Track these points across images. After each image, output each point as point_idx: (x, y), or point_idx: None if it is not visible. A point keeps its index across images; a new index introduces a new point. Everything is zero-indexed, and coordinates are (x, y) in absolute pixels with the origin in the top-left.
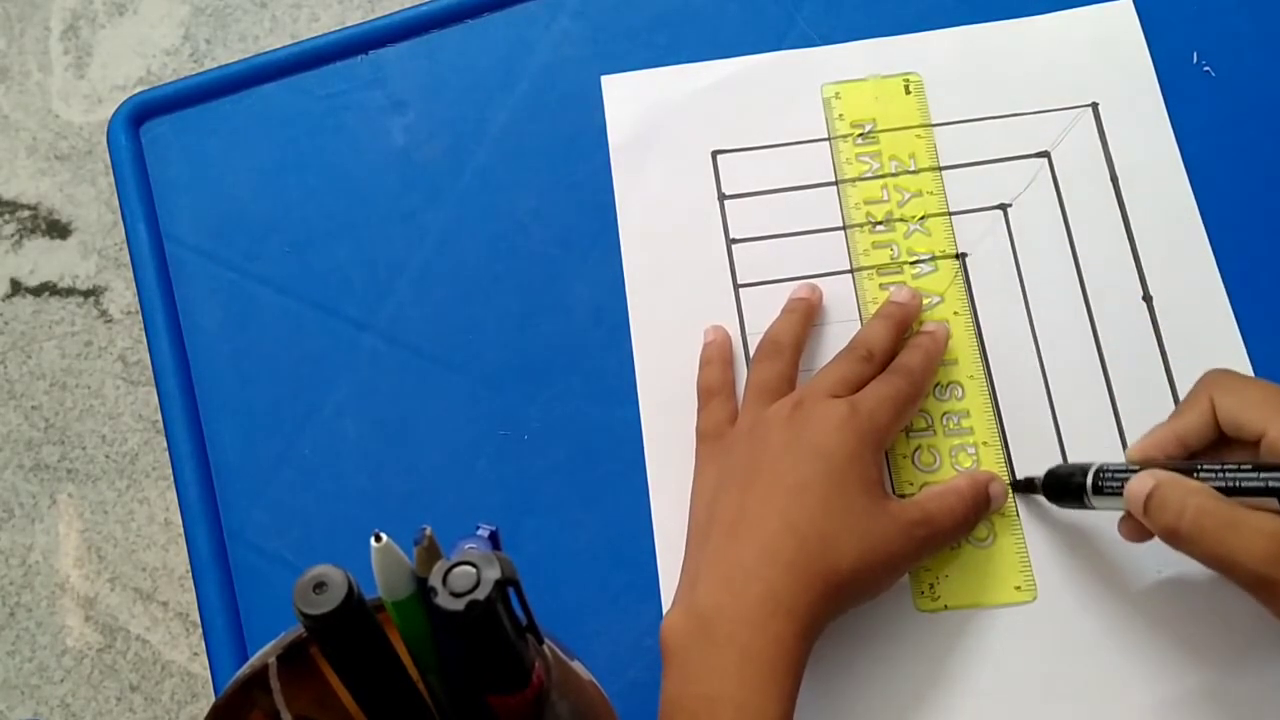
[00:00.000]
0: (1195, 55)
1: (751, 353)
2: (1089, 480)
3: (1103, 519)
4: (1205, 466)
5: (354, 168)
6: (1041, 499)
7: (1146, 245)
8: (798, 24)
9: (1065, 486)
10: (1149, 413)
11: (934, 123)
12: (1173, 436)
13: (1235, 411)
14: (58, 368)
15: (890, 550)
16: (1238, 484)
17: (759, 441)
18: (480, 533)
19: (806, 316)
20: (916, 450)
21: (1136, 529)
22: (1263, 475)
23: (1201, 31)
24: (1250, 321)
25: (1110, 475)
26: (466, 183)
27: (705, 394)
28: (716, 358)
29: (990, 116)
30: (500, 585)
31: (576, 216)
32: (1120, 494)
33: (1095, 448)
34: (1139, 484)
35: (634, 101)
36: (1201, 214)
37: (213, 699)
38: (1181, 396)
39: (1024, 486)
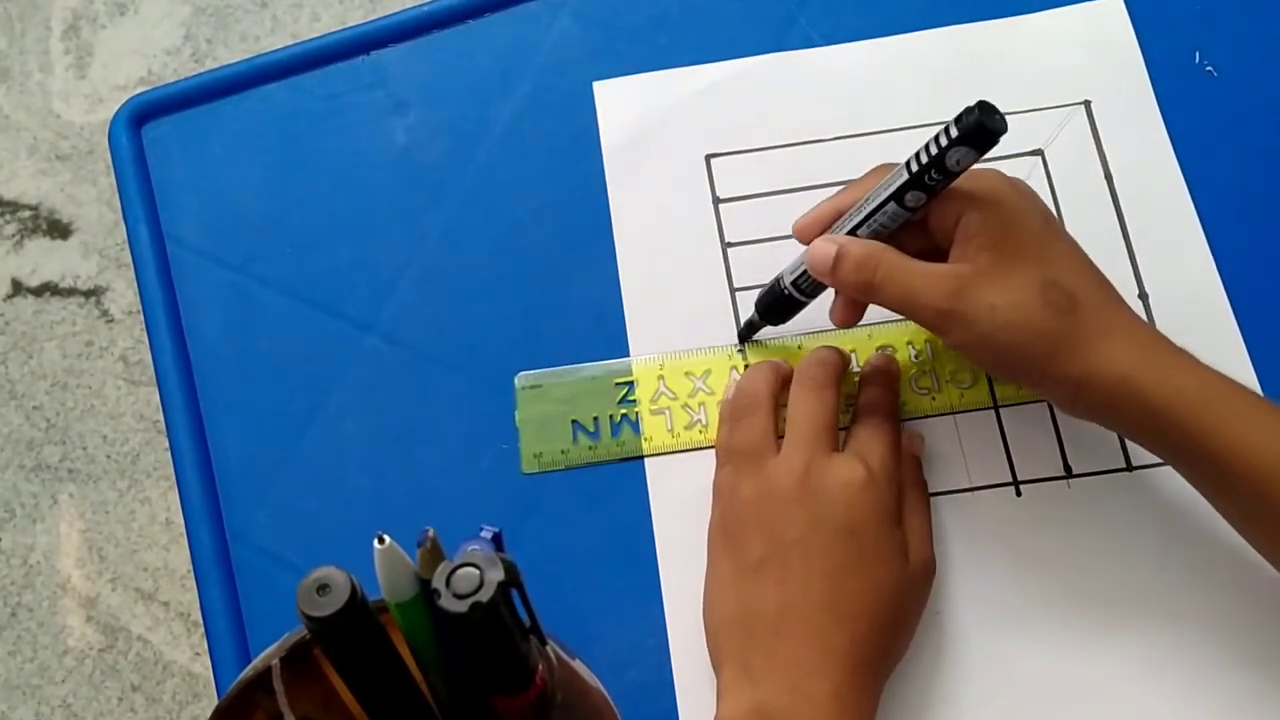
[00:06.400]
0: (1197, 55)
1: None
2: (790, 289)
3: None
4: (855, 221)
5: (355, 168)
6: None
7: (1141, 242)
8: (799, 23)
9: (777, 302)
10: None
11: (929, 123)
12: (833, 212)
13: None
14: (59, 368)
15: (920, 605)
16: (886, 220)
17: (775, 521)
18: (483, 534)
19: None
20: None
21: (847, 310)
22: (902, 200)
23: (1194, 29)
24: (1248, 315)
25: (804, 275)
26: (468, 183)
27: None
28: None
29: None
30: (503, 587)
31: (579, 217)
32: (823, 287)
33: (1095, 446)
34: (820, 250)
35: (626, 107)
36: (1198, 209)
37: (214, 699)
38: None
39: (748, 333)
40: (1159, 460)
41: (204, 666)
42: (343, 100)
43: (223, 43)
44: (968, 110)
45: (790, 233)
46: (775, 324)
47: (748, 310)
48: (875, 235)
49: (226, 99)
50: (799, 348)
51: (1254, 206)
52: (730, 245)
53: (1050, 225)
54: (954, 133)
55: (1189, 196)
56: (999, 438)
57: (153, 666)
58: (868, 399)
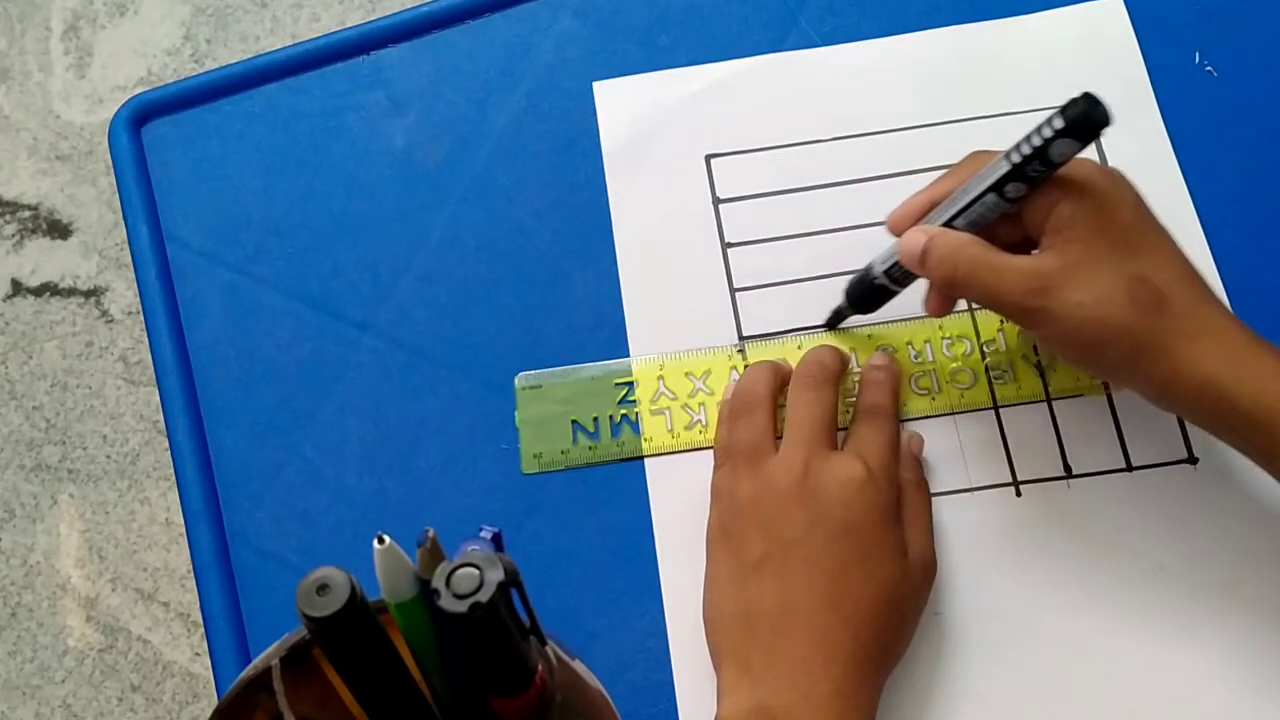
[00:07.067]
0: (1197, 55)
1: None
2: (881, 277)
3: (1085, 516)
4: (953, 211)
5: (355, 169)
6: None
7: None
8: (800, 24)
9: (868, 291)
10: (1146, 411)
11: (928, 123)
12: (926, 202)
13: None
14: (59, 368)
15: (921, 604)
16: (984, 211)
17: (775, 520)
18: (483, 534)
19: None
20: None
21: (939, 300)
22: (1002, 191)
23: (1194, 29)
24: (1248, 315)
25: (896, 264)
26: (468, 184)
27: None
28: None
29: (983, 116)
30: (503, 587)
31: (578, 218)
32: (915, 276)
33: (1095, 446)
34: (911, 241)
35: (626, 107)
36: (1198, 209)
37: (214, 699)
38: None
39: (835, 321)
40: (1159, 460)
41: (203, 667)
42: (343, 101)
43: (223, 43)
44: (1073, 101)
45: (790, 232)
46: (864, 312)
47: (747, 310)
48: (973, 225)
49: (226, 99)
50: (798, 348)
51: (1254, 206)
52: (730, 245)
53: (1143, 217)
54: (1059, 124)
55: (1189, 196)
56: (999, 438)
57: (153, 666)
58: (867, 399)
